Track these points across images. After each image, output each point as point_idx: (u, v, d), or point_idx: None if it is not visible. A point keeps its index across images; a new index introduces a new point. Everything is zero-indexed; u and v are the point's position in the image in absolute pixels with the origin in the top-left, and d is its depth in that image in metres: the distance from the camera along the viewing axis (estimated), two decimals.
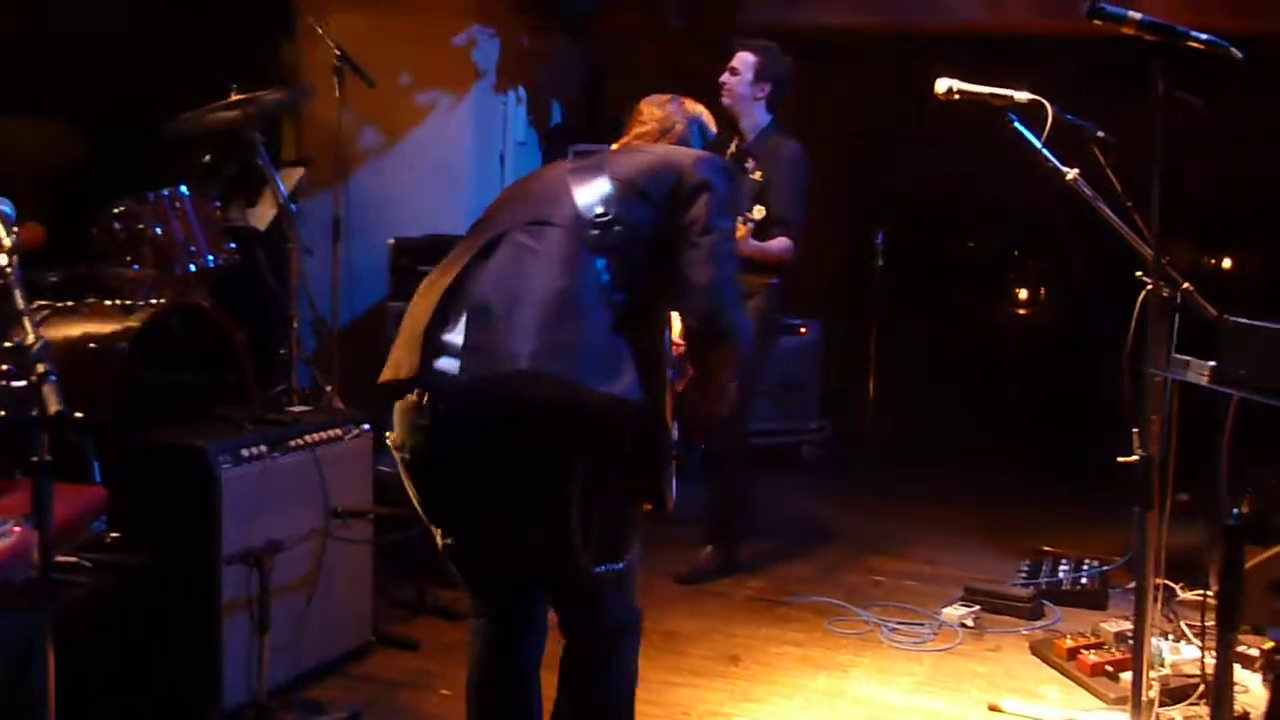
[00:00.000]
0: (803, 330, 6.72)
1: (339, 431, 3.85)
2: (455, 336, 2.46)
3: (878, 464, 6.66)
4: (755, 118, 4.91)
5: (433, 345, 2.48)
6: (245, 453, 3.49)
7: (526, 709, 2.76)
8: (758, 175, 4.74)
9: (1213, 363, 2.71)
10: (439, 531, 2.66)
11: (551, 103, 6.63)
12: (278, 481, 3.58)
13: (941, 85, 3.30)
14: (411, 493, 2.63)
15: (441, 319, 2.49)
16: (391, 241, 5.52)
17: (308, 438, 3.72)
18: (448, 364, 2.45)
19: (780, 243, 4.70)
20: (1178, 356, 2.76)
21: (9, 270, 2.08)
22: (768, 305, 4.81)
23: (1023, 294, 8.69)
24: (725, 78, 4.89)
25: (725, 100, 4.86)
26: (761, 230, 4.62)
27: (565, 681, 2.74)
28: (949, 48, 5.28)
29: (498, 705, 2.76)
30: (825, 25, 6.06)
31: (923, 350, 7.65)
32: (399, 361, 2.53)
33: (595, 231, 2.52)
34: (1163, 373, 2.75)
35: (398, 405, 2.54)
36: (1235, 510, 2.63)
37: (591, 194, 2.58)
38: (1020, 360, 8.14)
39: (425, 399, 2.47)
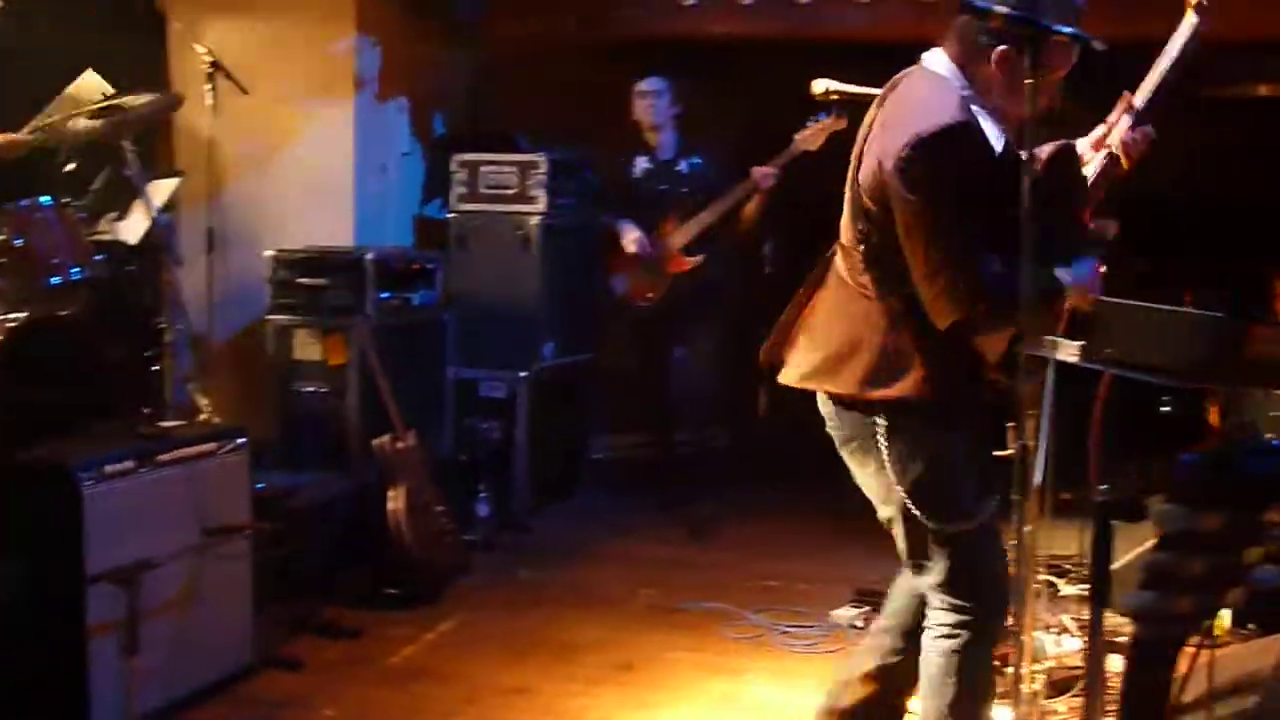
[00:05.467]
0: None
1: (213, 446, 3.74)
2: None
3: (768, 472, 6.65)
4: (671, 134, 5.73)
5: None
6: (110, 469, 3.37)
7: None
8: None
9: (1081, 342, 2.75)
10: None
11: (434, 113, 6.55)
12: (148, 498, 3.47)
13: (819, 86, 3.32)
14: None
15: None
16: (270, 254, 5.35)
17: (179, 452, 3.61)
18: None
19: None
20: (1049, 339, 2.79)
21: None
22: None
23: None
24: (648, 101, 5.65)
25: (649, 119, 5.66)
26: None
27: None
28: (836, 55, 5.30)
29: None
30: (718, 34, 6.10)
31: None
32: None
33: None
34: (1037, 351, 2.80)
35: None
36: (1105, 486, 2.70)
37: None
38: None
39: None
